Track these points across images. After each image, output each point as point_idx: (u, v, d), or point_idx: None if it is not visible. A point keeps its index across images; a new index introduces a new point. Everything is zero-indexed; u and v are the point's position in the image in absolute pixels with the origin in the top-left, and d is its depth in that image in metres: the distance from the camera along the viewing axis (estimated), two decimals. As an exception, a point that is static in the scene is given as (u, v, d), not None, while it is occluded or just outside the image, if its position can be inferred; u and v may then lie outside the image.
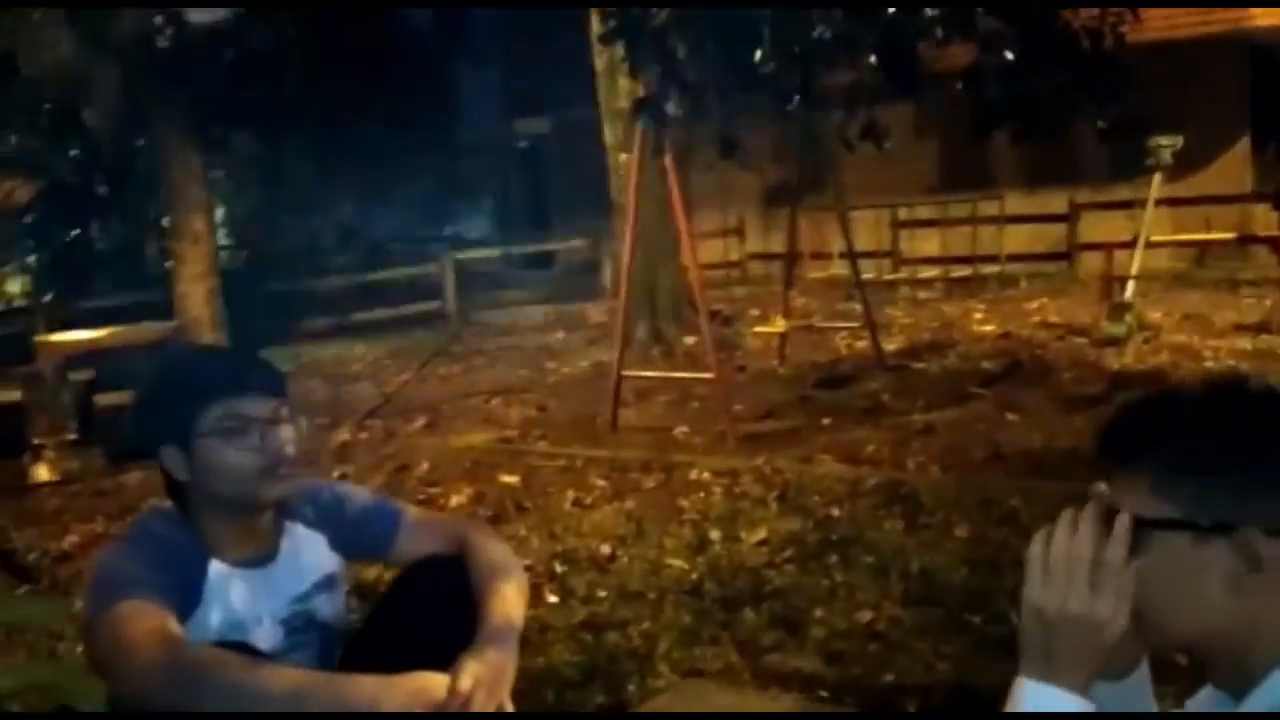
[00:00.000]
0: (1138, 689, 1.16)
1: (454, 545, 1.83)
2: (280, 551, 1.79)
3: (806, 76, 3.23)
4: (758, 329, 8.66)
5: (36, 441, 6.73)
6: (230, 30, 10.53)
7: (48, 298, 15.25)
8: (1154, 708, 1.18)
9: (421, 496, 5.27)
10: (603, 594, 3.81)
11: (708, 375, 6.22)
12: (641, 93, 3.88)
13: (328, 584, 1.84)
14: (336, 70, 13.16)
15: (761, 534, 4.27)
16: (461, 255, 13.72)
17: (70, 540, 4.93)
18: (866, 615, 3.44)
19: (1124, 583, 1.01)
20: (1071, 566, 1.01)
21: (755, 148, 10.58)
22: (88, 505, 5.69)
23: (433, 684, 1.51)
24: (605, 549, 4.25)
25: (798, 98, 3.28)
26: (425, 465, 5.87)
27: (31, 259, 17.24)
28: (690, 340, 8.63)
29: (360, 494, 1.94)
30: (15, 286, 17.27)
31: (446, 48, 16.17)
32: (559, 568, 4.09)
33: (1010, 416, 5.97)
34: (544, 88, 16.35)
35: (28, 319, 12.27)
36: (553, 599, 3.81)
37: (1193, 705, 1.11)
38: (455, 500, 5.12)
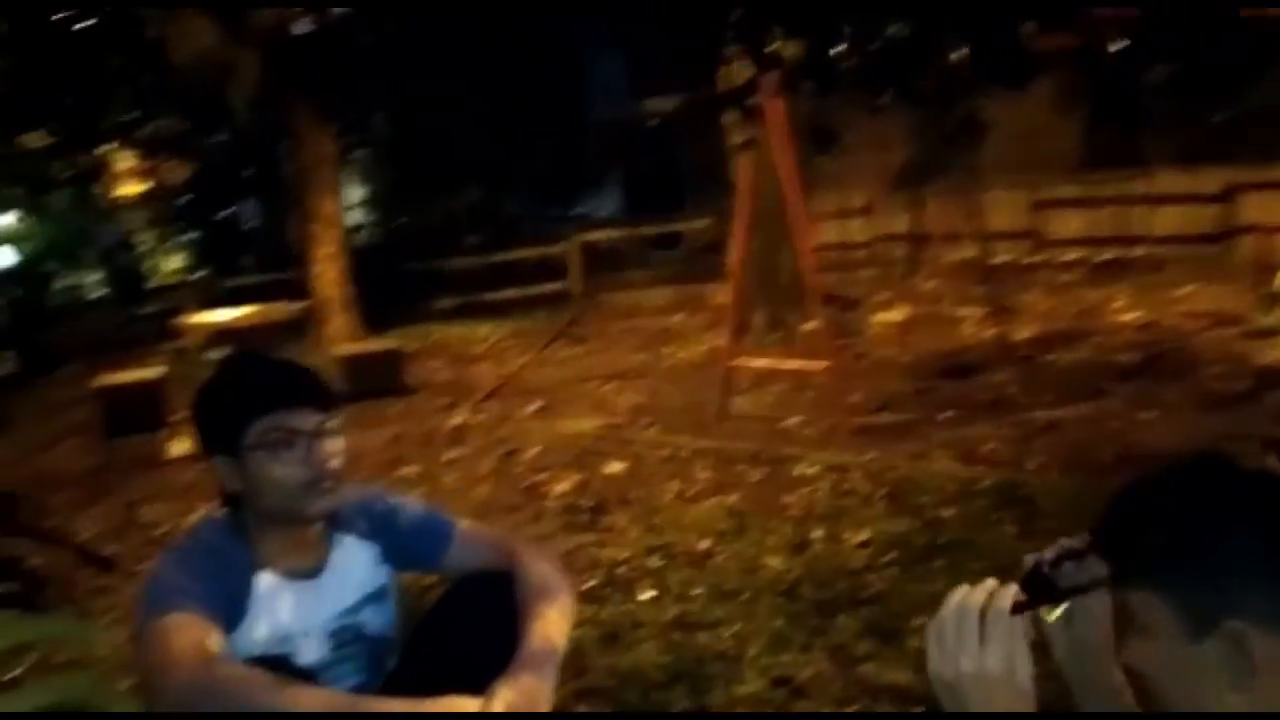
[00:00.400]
0: None
1: (504, 561, 1.80)
2: (330, 563, 1.79)
3: (899, 67, 3.08)
4: (878, 316, 8.41)
5: (175, 417, 7.06)
6: (363, 15, 10.79)
7: (199, 275, 16.06)
8: None
9: (527, 483, 5.32)
10: (697, 592, 3.76)
11: (820, 365, 6.06)
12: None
13: (377, 596, 1.84)
14: (468, 51, 13.36)
15: (865, 534, 4.14)
16: (588, 235, 13.75)
17: (194, 516, 5.15)
18: (969, 627, 3.30)
19: (1013, 631, 0.99)
20: (961, 628, 1.00)
21: (884, 125, 10.29)
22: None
23: (462, 709, 1.47)
24: (704, 544, 4.19)
25: (891, 90, 3.14)
26: (534, 451, 5.90)
27: (186, 238, 18.16)
28: (811, 326, 8.45)
29: (413, 506, 1.92)
30: (174, 263, 18.20)
31: (576, 26, 16.24)
32: (655, 562, 4.06)
33: (1144, 414, 5.63)
34: (672, 66, 16.22)
35: (180, 296, 12.89)
36: (646, 595, 3.78)
37: None
38: (559, 488, 5.13)
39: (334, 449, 1.72)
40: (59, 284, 16.94)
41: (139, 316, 13.57)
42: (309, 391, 1.73)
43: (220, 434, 1.70)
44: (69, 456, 7.16)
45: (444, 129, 15.45)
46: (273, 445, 1.67)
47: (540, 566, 1.78)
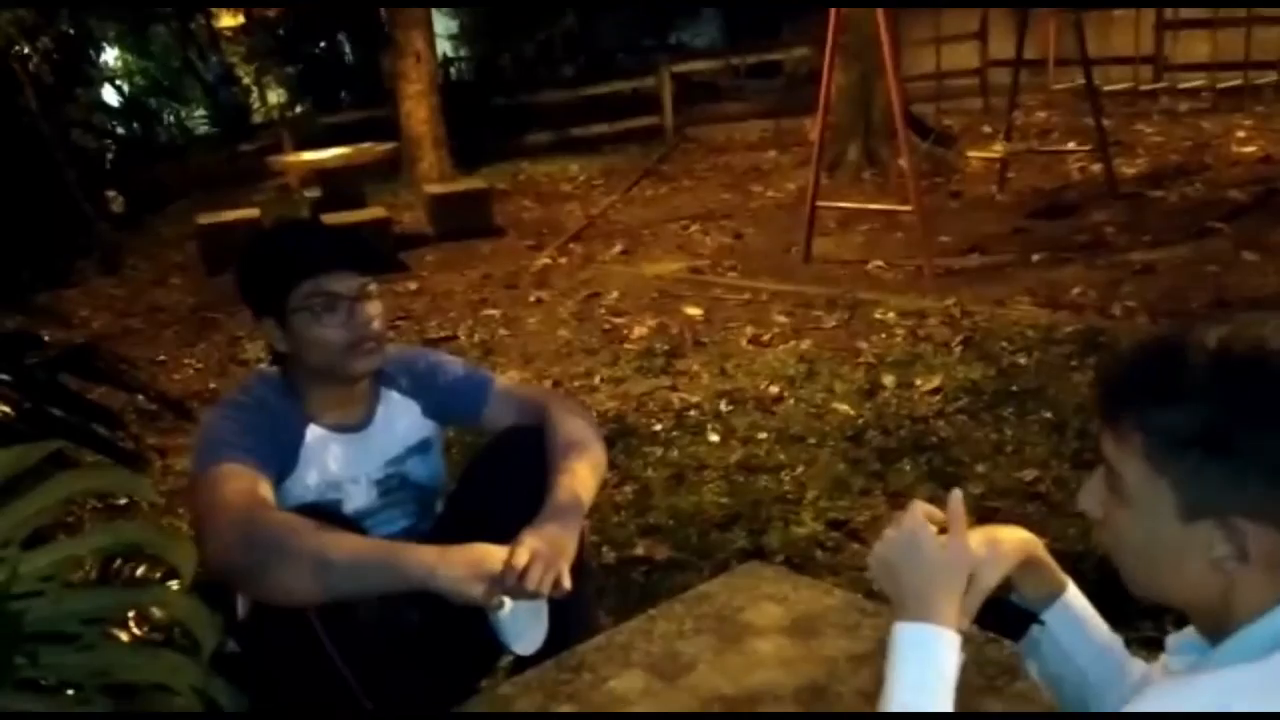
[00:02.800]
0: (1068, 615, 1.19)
1: (538, 417, 1.88)
2: (376, 418, 1.90)
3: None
4: (977, 151, 8.09)
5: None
6: None
7: (299, 110, 16.18)
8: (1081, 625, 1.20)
9: (607, 326, 5.40)
10: (763, 436, 3.83)
11: (905, 208, 5.92)
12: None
13: (421, 448, 1.95)
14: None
15: (937, 381, 4.14)
16: (681, 66, 13.36)
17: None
18: (1030, 474, 3.32)
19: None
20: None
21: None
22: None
23: (489, 556, 1.57)
24: (774, 389, 4.25)
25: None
26: (615, 293, 5.97)
27: (286, 71, 18.20)
28: (903, 163, 8.20)
29: (453, 364, 2.01)
30: (274, 98, 18.35)
31: None
32: (724, 406, 4.14)
33: (1248, 256, 5.39)
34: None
35: (277, 132, 13.03)
36: (714, 438, 3.88)
37: (1174, 641, 1.08)
38: (637, 331, 5.21)
39: (374, 311, 1.80)
40: (165, 120, 17.23)
41: (245, 152, 13.77)
42: (349, 256, 1.80)
43: (266, 298, 1.80)
44: (176, 293, 7.51)
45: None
46: (315, 309, 1.76)
47: (571, 422, 1.85)
